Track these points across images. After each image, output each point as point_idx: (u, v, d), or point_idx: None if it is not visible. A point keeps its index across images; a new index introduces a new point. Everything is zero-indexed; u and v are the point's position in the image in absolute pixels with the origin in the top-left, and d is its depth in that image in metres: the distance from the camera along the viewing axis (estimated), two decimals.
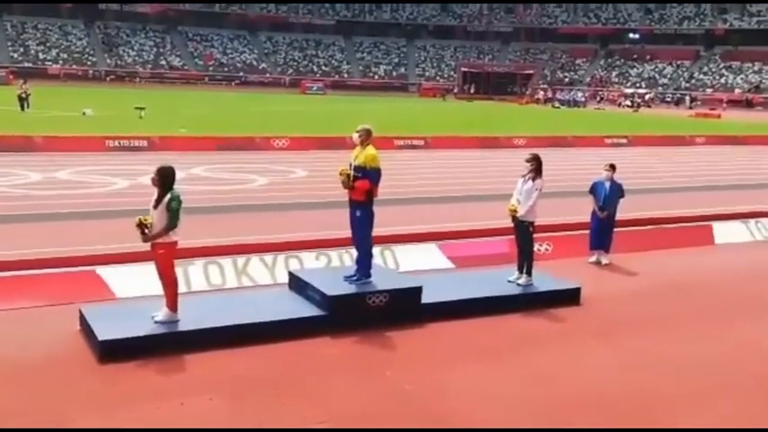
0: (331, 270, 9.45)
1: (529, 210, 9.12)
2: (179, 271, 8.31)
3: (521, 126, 38.13)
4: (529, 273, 9.23)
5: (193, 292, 8.82)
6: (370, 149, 8.16)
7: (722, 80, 76.44)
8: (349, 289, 8.21)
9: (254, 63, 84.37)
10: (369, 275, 8.41)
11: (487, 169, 22.12)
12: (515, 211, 9.07)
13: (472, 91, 79.54)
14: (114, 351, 6.89)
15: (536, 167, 9.15)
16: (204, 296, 8.65)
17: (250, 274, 9.42)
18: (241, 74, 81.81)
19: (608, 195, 11.22)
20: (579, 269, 10.81)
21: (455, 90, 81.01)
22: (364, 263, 8.40)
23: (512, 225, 9.40)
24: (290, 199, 15.53)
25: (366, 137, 8.21)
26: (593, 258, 11.34)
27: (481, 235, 11.59)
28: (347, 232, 8.61)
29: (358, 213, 8.23)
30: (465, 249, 11.01)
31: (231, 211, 13.94)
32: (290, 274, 8.88)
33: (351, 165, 8.12)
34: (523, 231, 9.22)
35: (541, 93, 75.25)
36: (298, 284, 8.58)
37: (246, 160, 21.87)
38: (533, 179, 9.12)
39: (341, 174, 8.12)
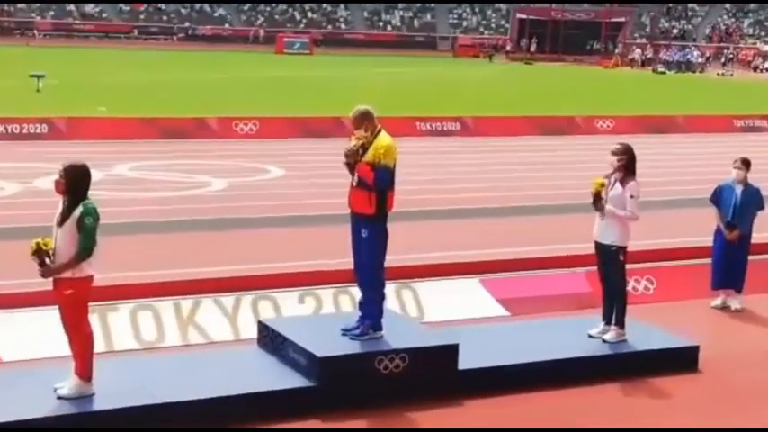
0: (322, 319, 9.42)
1: (619, 229, 9.10)
2: (95, 320, 8.28)
3: (605, 101, 38.17)
4: (620, 323, 9.19)
5: (116, 352, 8.83)
6: (384, 138, 8.20)
7: None
8: (349, 348, 8.20)
9: (207, 9, 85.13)
10: (379, 327, 8.40)
11: (554, 166, 22.16)
12: (603, 186, 9.08)
13: (533, 49, 79.86)
14: None
15: (627, 164, 9.14)
16: (132, 358, 8.65)
17: (200, 324, 9.43)
18: (187, 24, 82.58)
19: (739, 206, 11.19)
20: (696, 317, 10.76)
21: (507, 47, 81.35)
22: (372, 308, 8.40)
23: (593, 252, 9.38)
24: (259, 211, 15.58)
25: (367, 123, 8.22)
26: (718, 301, 11.30)
27: (546, 266, 11.56)
28: (347, 261, 8.60)
29: (364, 233, 8.25)
30: (522, 287, 10.99)
31: (173, 230, 13.99)
32: (261, 324, 8.87)
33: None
34: (611, 261, 9.19)
35: (637, 51, 75.42)
36: (272, 341, 8.57)
37: (196, 153, 22.00)
38: (623, 181, 9.11)
39: (356, 138, 8.17)
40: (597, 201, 9.11)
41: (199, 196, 16.86)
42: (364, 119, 8.23)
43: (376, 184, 8.09)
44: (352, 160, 8.17)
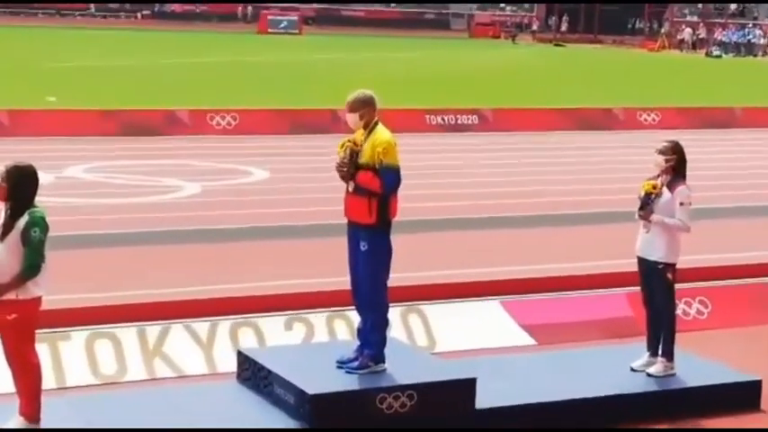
0: (314, 349, 9.41)
1: (666, 242, 9.09)
2: (43, 350, 8.25)
3: (650, 90, 38.14)
4: (668, 354, 9.18)
5: (69, 388, 8.82)
6: (381, 134, 8.20)
7: None
8: (346, 383, 8.20)
9: None
10: (381, 358, 8.40)
11: (588, 167, 22.17)
12: (655, 188, 9.03)
13: (564, 28, 79.89)
14: None
15: (676, 165, 9.13)
16: (88, 396, 8.63)
17: (169, 355, 9.42)
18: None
19: None
20: (758, 347, 10.72)
21: (534, 26, 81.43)
22: (373, 336, 8.39)
23: (635, 269, 9.35)
24: (239, 220, 15.60)
25: (365, 111, 8.24)
26: None
27: (579, 286, 11.56)
28: (343, 280, 8.60)
29: (363, 246, 8.25)
30: (551, 311, 10.99)
31: (137, 243, 13.99)
32: (241, 355, 8.88)
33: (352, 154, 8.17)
34: (657, 281, 9.18)
35: (688, 31, 75.44)
36: (254, 375, 8.57)
37: (164, 152, 22.01)
38: (672, 186, 9.11)
39: (342, 147, 8.19)
40: (646, 205, 9.07)
41: (167, 203, 16.87)
42: (364, 105, 8.23)
43: (384, 189, 8.07)
44: (347, 173, 8.15)
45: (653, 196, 9.04)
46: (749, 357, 10.07)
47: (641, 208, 9.08)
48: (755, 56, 67.94)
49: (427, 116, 27.22)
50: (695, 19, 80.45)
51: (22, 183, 7.32)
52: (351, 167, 8.13)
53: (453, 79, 39.76)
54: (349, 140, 8.23)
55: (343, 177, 8.21)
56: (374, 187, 8.07)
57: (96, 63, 40.82)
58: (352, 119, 8.26)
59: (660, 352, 9.19)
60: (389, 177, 8.08)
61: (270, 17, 73.21)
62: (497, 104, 29.68)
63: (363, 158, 8.14)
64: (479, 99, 30.79)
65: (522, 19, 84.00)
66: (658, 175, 9.19)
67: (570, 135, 27.14)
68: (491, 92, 34.48)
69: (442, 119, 27.49)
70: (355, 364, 8.37)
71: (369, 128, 8.22)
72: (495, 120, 27.93)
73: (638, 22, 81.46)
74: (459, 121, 27.59)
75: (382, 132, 8.19)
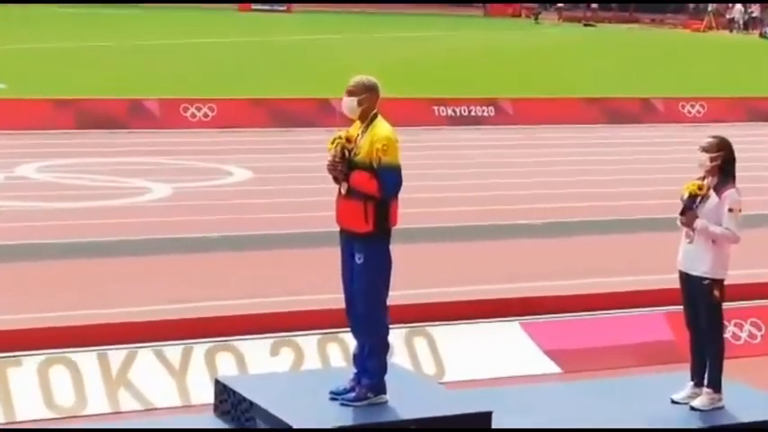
0: (303, 378, 9.41)
1: (713, 254, 9.06)
2: None
3: (694, 77, 38.13)
4: (715, 384, 9.17)
5: (20, 423, 8.81)
6: (381, 128, 8.21)
7: None
8: (341, 417, 8.20)
9: None
10: (381, 389, 8.40)
11: (622, 167, 22.15)
12: (700, 189, 8.97)
13: (595, 5, 79.81)
14: None
15: (723, 165, 9.11)
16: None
17: (135, 385, 9.42)
18: None
19: None
20: None
21: (559, 3, 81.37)
22: (372, 362, 8.39)
23: (676, 285, 9.34)
24: (216, 227, 15.61)
25: (366, 98, 8.25)
26: None
27: (611, 305, 11.56)
28: (337, 297, 8.62)
29: (358, 258, 8.25)
30: (578, 334, 11.00)
31: (98, 254, 13.99)
32: (219, 385, 8.86)
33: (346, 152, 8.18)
34: (702, 299, 9.15)
35: (738, 9, 75.42)
36: (234, 407, 8.54)
37: (130, 149, 22.02)
38: (719, 189, 9.09)
39: (333, 143, 8.17)
40: (688, 210, 9.00)
41: (133, 208, 16.89)
42: (366, 91, 8.23)
43: (383, 192, 8.08)
44: (340, 174, 8.15)
45: (697, 199, 9.01)
46: None
47: (683, 213, 9.01)
48: None
49: (435, 107, 27.26)
50: None
51: None
52: (345, 166, 8.14)
53: (466, 64, 39.82)
54: (340, 136, 8.23)
55: (336, 178, 8.21)
56: (371, 190, 8.07)
57: (51, 45, 40.86)
58: (348, 104, 8.25)
59: (706, 382, 9.16)
60: (389, 178, 8.07)
61: None
62: (517, 94, 29.75)
63: (360, 156, 8.13)
64: (496, 87, 30.85)
65: None
66: (703, 177, 9.16)
67: (601, 129, 27.20)
68: (510, 79, 34.53)
69: (453, 110, 27.51)
70: (352, 395, 8.36)
71: (367, 120, 8.23)
72: (513, 111, 27.96)
73: None
74: (472, 113, 27.62)
75: (382, 127, 8.20)
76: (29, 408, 9.05)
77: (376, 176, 8.06)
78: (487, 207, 17.62)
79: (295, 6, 72.05)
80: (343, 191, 8.19)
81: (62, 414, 9.08)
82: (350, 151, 8.15)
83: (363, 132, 8.20)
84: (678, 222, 9.09)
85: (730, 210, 8.99)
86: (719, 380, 9.16)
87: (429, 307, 10.99)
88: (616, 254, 14.86)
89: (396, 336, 9.13)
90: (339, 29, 55.72)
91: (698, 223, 8.96)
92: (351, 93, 8.23)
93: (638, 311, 11.39)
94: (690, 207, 8.95)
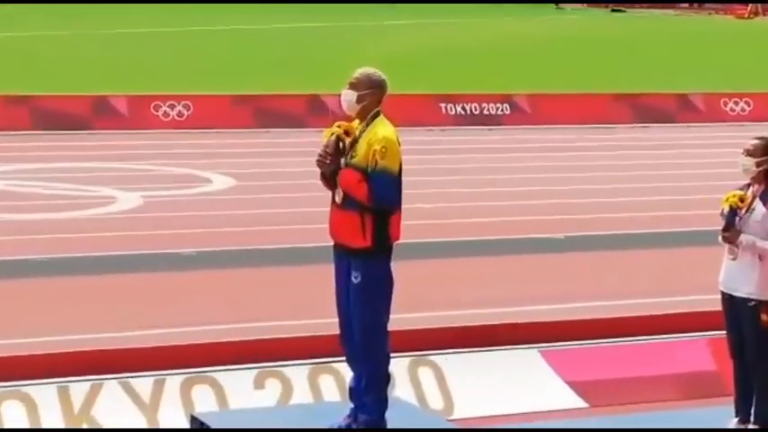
0: (292, 413, 9.46)
1: (759, 273, 9.08)
2: None
3: (738, 71, 38.06)
4: (762, 420, 9.22)
5: None
6: (381, 128, 8.29)
7: None
8: None
9: None
10: (380, 426, 8.45)
11: (655, 173, 22.17)
12: (742, 201, 8.95)
13: None
14: None
15: None
16: None
17: (100, 421, 9.42)
18: None
19: None
20: None
21: None
22: (370, 395, 8.43)
23: (719, 308, 9.37)
24: (192, 242, 15.66)
25: (369, 94, 8.35)
26: None
27: (644, 330, 11.57)
28: (331, 322, 8.66)
29: (355, 277, 8.31)
30: (606, 363, 11.02)
31: (57, 273, 14.00)
32: (196, 421, 8.94)
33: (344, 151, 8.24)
34: (748, 322, 9.18)
35: None
36: None
37: (94, 152, 22.08)
38: (766, 198, 9.13)
39: (330, 133, 8.26)
40: (731, 225, 9.04)
41: (98, 220, 16.92)
42: (370, 86, 8.30)
43: (373, 200, 8.10)
44: (328, 169, 8.19)
45: (741, 212, 9.07)
46: None
47: (725, 229, 9.05)
48: None
49: (442, 104, 27.36)
50: None
51: None
52: (336, 161, 8.18)
53: (477, 56, 39.78)
54: (339, 125, 8.29)
55: (325, 179, 8.25)
56: (359, 194, 8.11)
57: (5, 35, 40.79)
58: (348, 97, 8.29)
59: (753, 416, 9.21)
60: (382, 185, 8.09)
61: None
62: (535, 89, 29.78)
63: (356, 159, 8.19)
64: (511, 82, 30.84)
65: None
66: (749, 185, 9.21)
67: (631, 130, 27.23)
68: (527, 73, 34.52)
69: (463, 108, 27.61)
70: None
71: (367, 119, 8.30)
72: (531, 109, 28.06)
73: None
74: (484, 111, 27.71)
75: (383, 127, 8.26)
76: None
77: (368, 180, 8.09)
78: (501, 219, 17.66)
79: None
80: (337, 199, 8.24)
81: None
82: (344, 145, 8.22)
83: (363, 132, 8.26)
84: (720, 238, 9.12)
85: None
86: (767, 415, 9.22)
87: (435, 332, 11.01)
88: (650, 272, 14.86)
89: (398, 365, 9.15)
90: (336, 14, 55.51)
91: (743, 239, 8.99)
92: (352, 85, 8.29)
93: (675, 338, 11.39)
94: (731, 222, 8.98)
